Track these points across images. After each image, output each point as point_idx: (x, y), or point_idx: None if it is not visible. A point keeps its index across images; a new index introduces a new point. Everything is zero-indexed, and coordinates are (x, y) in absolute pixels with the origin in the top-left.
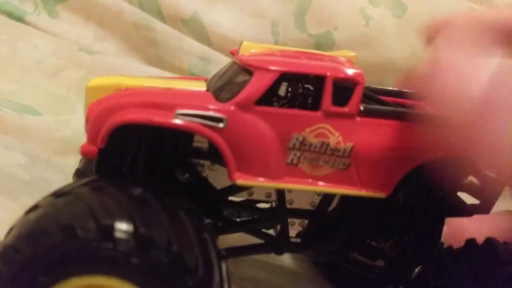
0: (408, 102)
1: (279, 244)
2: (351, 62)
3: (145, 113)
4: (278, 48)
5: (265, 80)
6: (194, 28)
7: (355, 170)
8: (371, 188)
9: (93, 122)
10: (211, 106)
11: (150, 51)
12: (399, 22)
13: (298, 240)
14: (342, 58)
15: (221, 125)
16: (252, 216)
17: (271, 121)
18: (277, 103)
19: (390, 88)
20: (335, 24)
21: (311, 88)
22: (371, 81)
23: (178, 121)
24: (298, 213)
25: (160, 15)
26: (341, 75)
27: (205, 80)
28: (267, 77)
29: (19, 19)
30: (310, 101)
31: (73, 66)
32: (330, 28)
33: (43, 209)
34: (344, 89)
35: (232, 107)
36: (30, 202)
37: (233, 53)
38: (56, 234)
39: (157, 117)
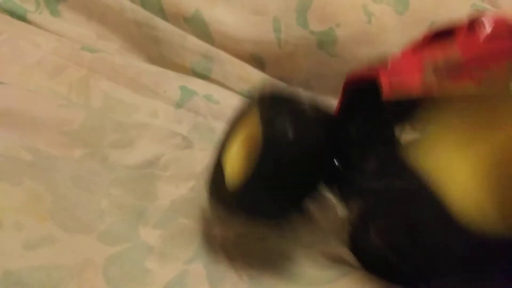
0: None
1: None
2: None
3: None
4: None
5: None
6: (196, 26)
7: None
8: None
9: None
10: None
11: (152, 49)
12: (401, 19)
13: None
14: None
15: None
16: None
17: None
18: None
19: None
20: (337, 21)
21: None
22: None
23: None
24: None
25: (162, 13)
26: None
27: None
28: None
29: (21, 17)
30: None
31: (75, 65)
32: (332, 25)
33: None
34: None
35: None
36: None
37: None
38: None
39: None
